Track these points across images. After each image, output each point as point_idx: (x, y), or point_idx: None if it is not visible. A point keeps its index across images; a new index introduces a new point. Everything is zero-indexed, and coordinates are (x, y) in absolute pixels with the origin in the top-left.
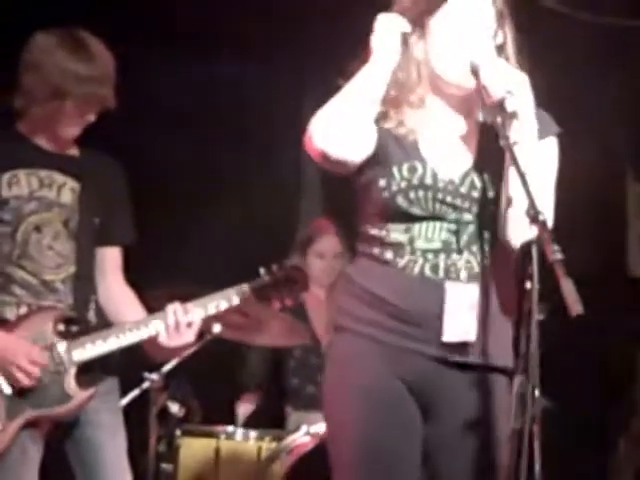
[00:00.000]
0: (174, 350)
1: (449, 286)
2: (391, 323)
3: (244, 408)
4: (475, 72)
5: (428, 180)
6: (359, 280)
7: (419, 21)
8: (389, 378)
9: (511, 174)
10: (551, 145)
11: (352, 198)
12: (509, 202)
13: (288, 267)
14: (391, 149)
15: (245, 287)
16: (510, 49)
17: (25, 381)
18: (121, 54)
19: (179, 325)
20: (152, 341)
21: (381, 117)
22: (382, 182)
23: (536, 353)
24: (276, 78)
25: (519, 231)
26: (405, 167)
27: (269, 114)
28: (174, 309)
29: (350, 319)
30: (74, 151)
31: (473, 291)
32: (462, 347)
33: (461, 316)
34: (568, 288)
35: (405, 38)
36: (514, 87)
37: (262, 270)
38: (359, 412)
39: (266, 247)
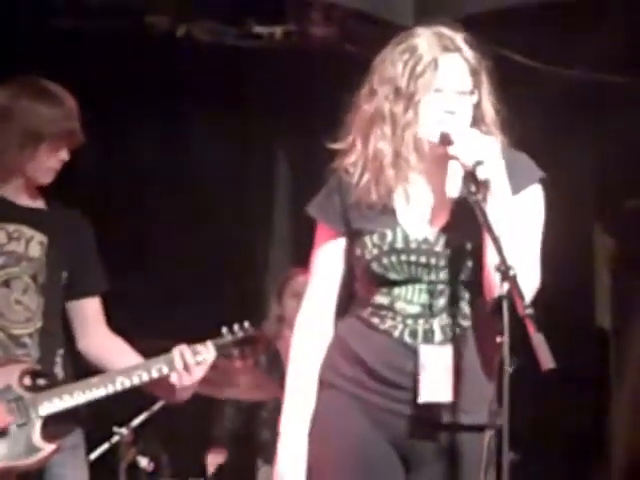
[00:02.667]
0: (182, 391)
1: (423, 349)
2: (371, 383)
3: (214, 460)
4: (444, 142)
5: (399, 244)
6: (345, 338)
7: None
8: (370, 434)
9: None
10: (535, 192)
11: None
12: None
13: (249, 328)
14: (362, 222)
15: (208, 344)
16: (486, 107)
17: None
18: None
19: (189, 367)
20: (159, 383)
21: (355, 182)
22: (358, 251)
23: (506, 407)
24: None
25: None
26: (375, 235)
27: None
28: (181, 350)
29: (335, 375)
30: (41, 204)
31: (447, 353)
32: (438, 407)
33: (435, 378)
34: (539, 343)
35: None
36: (484, 156)
37: (224, 329)
38: (341, 466)
39: (235, 299)
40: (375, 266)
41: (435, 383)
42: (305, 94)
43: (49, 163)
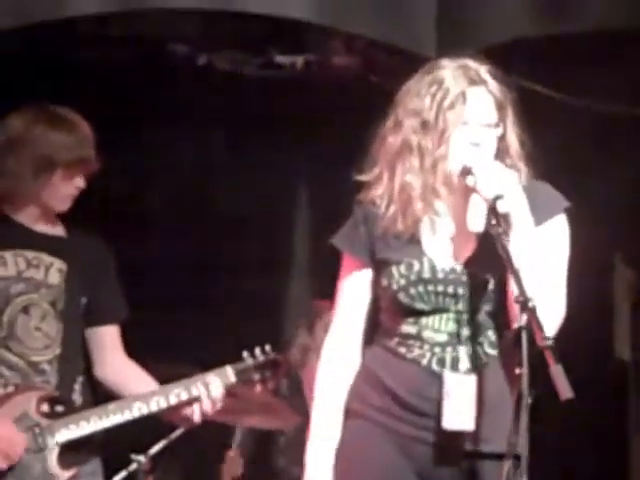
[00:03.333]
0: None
1: (448, 376)
2: (399, 412)
3: None
4: (465, 174)
5: (426, 274)
6: (372, 368)
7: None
8: (396, 463)
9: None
10: (560, 222)
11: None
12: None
13: (270, 352)
14: (388, 252)
15: (228, 369)
16: (511, 139)
17: (2, 464)
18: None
19: (208, 395)
20: (175, 409)
21: (382, 213)
22: (384, 281)
23: (525, 437)
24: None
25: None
26: (402, 265)
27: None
28: (202, 379)
29: (362, 404)
30: (60, 231)
31: (472, 382)
32: (461, 435)
33: (459, 405)
34: (558, 373)
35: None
36: (504, 189)
37: (245, 353)
38: None
39: (254, 328)
40: (402, 296)
41: (459, 411)
42: (326, 124)
43: (64, 190)
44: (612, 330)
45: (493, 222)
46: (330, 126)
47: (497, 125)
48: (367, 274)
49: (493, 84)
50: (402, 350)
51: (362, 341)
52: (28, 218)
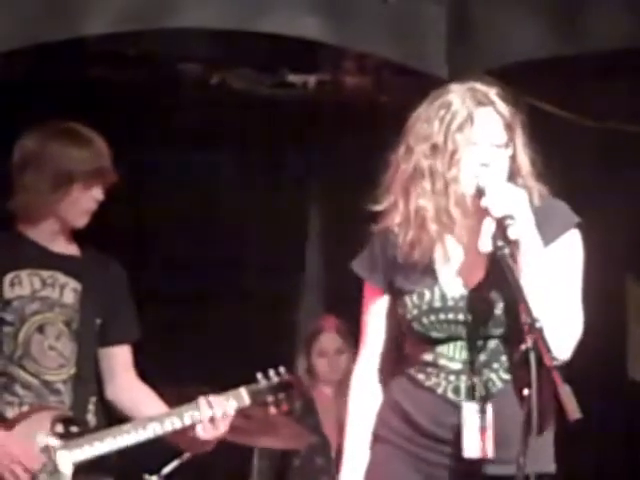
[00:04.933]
0: (206, 442)
1: (466, 406)
2: (420, 439)
3: None
4: (480, 195)
5: (436, 303)
6: (395, 395)
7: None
8: None
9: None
10: (572, 238)
11: (354, 294)
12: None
13: (284, 373)
14: (402, 282)
15: (242, 391)
16: (521, 159)
17: (24, 478)
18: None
19: (214, 418)
20: (181, 434)
21: (400, 241)
22: (400, 310)
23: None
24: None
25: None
26: (415, 295)
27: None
28: (208, 401)
29: (387, 430)
30: (75, 250)
31: (488, 410)
32: (480, 460)
33: (478, 434)
34: (566, 394)
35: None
36: (514, 210)
37: (259, 375)
38: None
39: (267, 345)
40: (416, 325)
41: (477, 439)
42: (338, 143)
43: (83, 204)
44: (625, 351)
45: (499, 243)
46: (341, 144)
47: (507, 145)
48: (388, 301)
49: (501, 105)
50: (421, 377)
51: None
52: (44, 236)
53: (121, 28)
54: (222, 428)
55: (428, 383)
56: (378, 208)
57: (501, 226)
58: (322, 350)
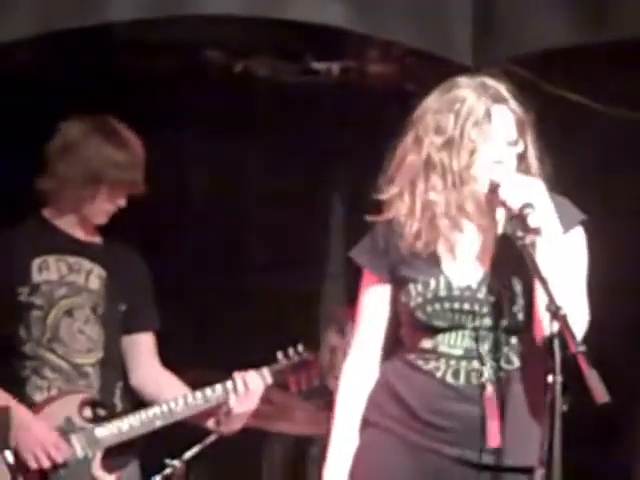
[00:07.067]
0: (238, 418)
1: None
2: (414, 424)
3: None
4: (493, 190)
5: (442, 292)
6: (390, 379)
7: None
8: (412, 473)
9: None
10: (577, 235)
11: None
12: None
13: (303, 351)
14: (406, 270)
15: (265, 370)
16: (531, 157)
17: (46, 463)
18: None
19: (249, 390)
20: (210, 414)
21: (403, 231)
22: (403, 298)
23: (559, 446)
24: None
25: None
26: (419, 284)
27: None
28: (242, 376)
29: (379, 414)
30: (98, 239)
31: (492, 398)
32: (480, 449)
33: (492, 423)
34: (593, 379)
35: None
36: (532, 198)
37: (279, 354)
38: None
39: (288, 329)
40: (420, 314)
41: (493, 428)
42: (362, 131)
43: (105, 206)
44: None
45: (520, 234)
46: (365, 131)
47: (517, 143)
48: (387, 290)
49: (513, 102)
50: (419, 362)
51: (381, 355)
52: (67, 224)
53: (145, 14)
54: (255, 402)
55: (427, 367)
56: (382, 197)
57: (520, 216)
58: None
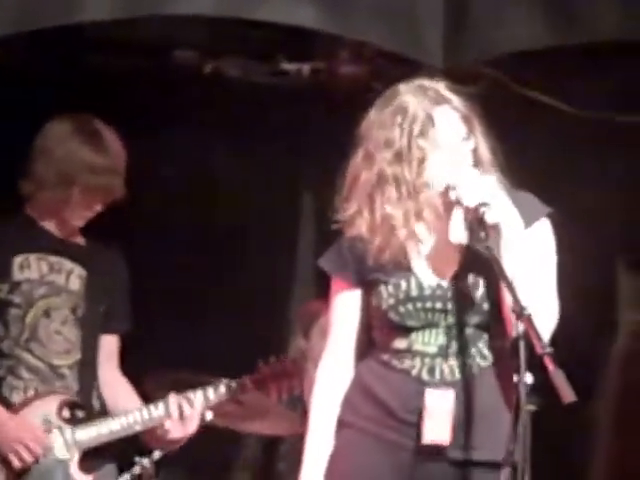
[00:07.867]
0: (175, 441)
1: (428, 392)
2: (389, 422)
3: None
4: (448, 190)
5: (413, 292)
6: (365, 379)
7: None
8: (385, 471)
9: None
10: (543, 228)
11: None
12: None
13: (285, 360)
14: (376, 274)
15: (246, 379)
16: (483, 152)
17: (28, 458)
18: None
19: (184, 417)
20: (151, 430)
21: (367, 246)
22: (374, 301)
23: (527, 445)
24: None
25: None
26: (390, 286)
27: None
28: (178, 401)
29: (353, 415)
30: (80, 239)
31: (450, 397)
32: (452, 445)
33: (437, 421)
34: (559, 379)
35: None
36: (488, 197)
37: (260, 362)
38: None
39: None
40: (392, 315)
41: (435, 425)
42: (332, 132)
43: (80, 210)
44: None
45: (481, 235)
46: (335, 133)
47: (468, 138)
48: (356, 294)
49: (455, 100)
50: (394, 362)
51: (355, 358)
52: (49, 224)
53: (119, 15)
54: (191, 428)
55: (402, 366)
56: (341, 217)
57: (477, 215)
58: (324, 331)
